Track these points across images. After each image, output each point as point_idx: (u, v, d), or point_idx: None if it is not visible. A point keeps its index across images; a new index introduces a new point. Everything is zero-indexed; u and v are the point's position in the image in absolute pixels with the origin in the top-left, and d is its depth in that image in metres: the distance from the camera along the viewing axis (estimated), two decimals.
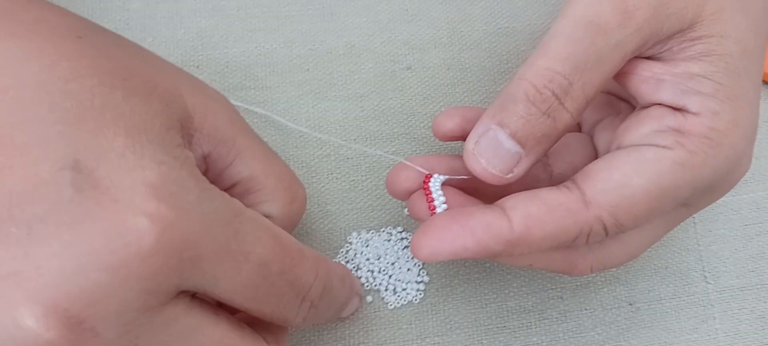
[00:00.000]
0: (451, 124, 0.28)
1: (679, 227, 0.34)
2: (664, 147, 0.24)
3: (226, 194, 0.22)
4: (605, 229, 0.24)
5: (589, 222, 0.24)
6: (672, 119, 0.24)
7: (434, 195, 0.26)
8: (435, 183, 0.26)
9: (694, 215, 0.35)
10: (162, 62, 0.24)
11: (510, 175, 0.24)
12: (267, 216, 0.25)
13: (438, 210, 0.26)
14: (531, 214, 0.23)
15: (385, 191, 0.33)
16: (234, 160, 0.24)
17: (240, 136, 0.25)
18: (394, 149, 0.34)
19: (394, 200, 0.33)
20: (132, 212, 0.18)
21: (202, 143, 0.23)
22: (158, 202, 0.19)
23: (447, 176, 0.27)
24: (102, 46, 0.22)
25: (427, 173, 0.27)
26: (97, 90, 0.20)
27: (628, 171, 0.24)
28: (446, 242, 0.23)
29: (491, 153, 0.24)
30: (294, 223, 0.26)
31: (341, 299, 0.26)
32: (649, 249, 0.34)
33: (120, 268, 0.18)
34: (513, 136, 0.24)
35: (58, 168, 0.18)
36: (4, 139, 0.19)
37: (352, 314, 0.29)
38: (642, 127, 0.25)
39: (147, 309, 0.19)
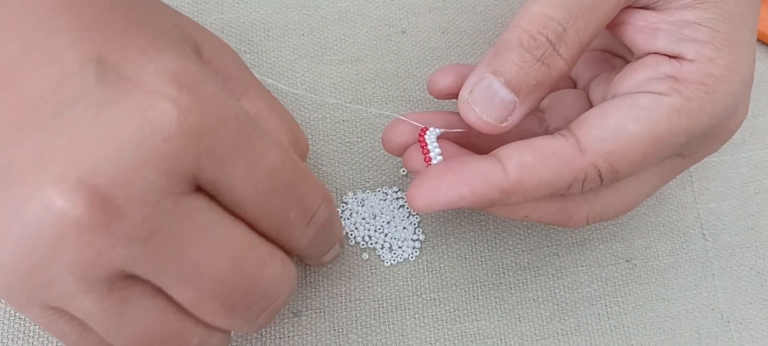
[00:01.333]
0: (446, 81, 0.28)
1: (676, 184, 0.34)
2: (659, 94, 0.24)
3: (242, 105, 0.22)
4: (600, 175, 0.24)
5: (584, 168, 0.24)
6: (668, 66, 0.24)
7: (430, 147, 0.26)
8: (430, 136, 0.26)
9: (692, 173, 0.35)
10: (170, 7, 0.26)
11: (504, 123, 0.24)
12: None
13: (434, 162, 0.26)
14: (526, 162, 0.23)
15: (381, 151, 0.33)
16: (241, 97, 0.25)
17: (247, 74, 0.26)
18: (389, 112, 0.34)
19: (390, 161, 0.33)
20: (155, 94, 0.19)
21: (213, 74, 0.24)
22: (180, 88, 0.20)
23: (442, 130, 0.27)
24: None
25: (423, 126, 0.27)
26: (120, 5, 0.22)
27: (624, 117, 0.24)
28: (442, 191, 0.23)
29: (486, 102, 0.24)
30: None
31: (338, 235, 0.26)
32: (645, 206, 0.34)
33: (143, 146, 0.19)
34: (507, 84, 0.24)
35: (82, 61, 0.20)
36: (36, 42, 0.21)
37: (333, 260, 0.30)
38: (637, 75, 0.25)
39: (169, 193, 0.19)
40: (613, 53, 0.31)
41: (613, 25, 0.26)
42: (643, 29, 0.25)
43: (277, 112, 0.27)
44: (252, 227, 0.22)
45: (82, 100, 0.19)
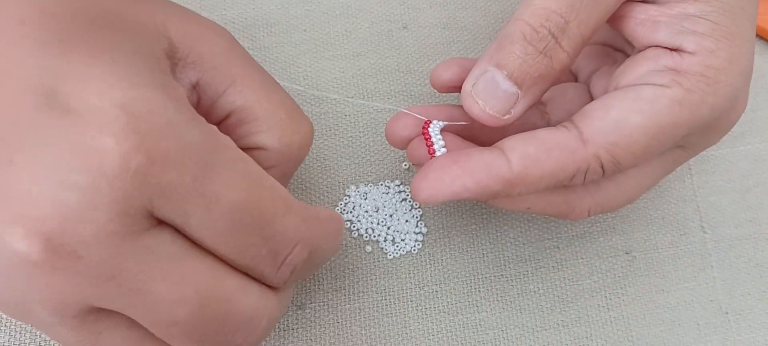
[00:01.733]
0: (448, 74, 0.28)
1: (676, 178, 0.35)
2: (661, 86, 0.24)
3: (213, 129, 0.21)
4: (602, 167, 0.24)
5: (587, 160, 0.24)
6: (669, 59, 0.24)
7: (434, 139, 0.26)
8: (434, 129, 0.27)
9: (691, 167, 0.35)
10: None
11: (507, 116, 0.25)
12: (262, 148, 0.24)
13: (437, 153, 0.26)
14: (529, 153, 0.24)
15: (383, 145, 0.34)
16: (227, 88, 0.24)
17: (235, 64, 0.24)
18: (391, 105, 0.34)
19: (392, 155, 0.34)
20: (99, 132, 0.18)
21: (188, 72, 0.23)
22: (127, 123, 0.19)
23: (445, 123, 0.27)
24: None
25: (427, 119, 0.27)
26: (75, 24, 0.20)
27: (626, 109, 0.24)
28: (445, 183, 0.24)
29: (488, 94, 0.24)
30: (294, 157, 0.25)
31: (329, 256, 0.25)
32: (645, 199, 0.34)
33: (88, 188, 0.18)
34: (510, 76, 0.24)
35: (31, 95, 0.19)
36: None
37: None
38: (639, 68, 0.25)
39: (125, 234, 0.19)
40: (613, 47, 0.31)
41: (614, 19, 0.26)
42: (644, 22, 0.25)
43: (270, 100, 0.24)
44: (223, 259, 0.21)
45: (33, 142, 0.19)
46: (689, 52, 0.24)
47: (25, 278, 0.19)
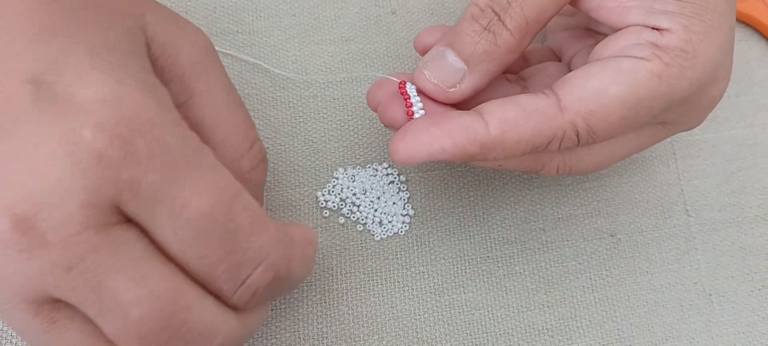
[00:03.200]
0: (431, 39, 0.29)
1: (660, 161, 0.35)
2: (641, 59, 0.24)
3: (193, 135, 0.21)
4: (578, 135, 0.25)
5: (563, 127, 0.24)
6: (649, 35, 0.25)
7: (412, 100, 0.26)
8: (411, 89, 0.27)
9: (676, 151, 0.36)
10: None
11: (453, 89, 0.26)
12: None
13: (416, 115, 0.26)
14: (508, 118, 0.24)
15: (371, 128, 0.34)
16: (186, 100, 0.24)
17: (200, 77, 0.24)
18: (379, 73, 0.35)
19: (380, 138, 0.34)
20: (79, 123, 0.19)
21: (157, 75, 0.23)
22: (107, 118, 0.19)
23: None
24: None
25: (402, 80, 0.27)
26: (62, 15, 0.21)
27: (605, 79, 0.24)
28: (423, 143, 0.24)
29: (437, 67, 0.26)
30: (245, 180, 0.25)
31: (299, 281, 0.24)
32: (630, 182, 0.35)
33: (63, 178, 0.19)
34: (458, 53, 0.26)
35: (19, 82, 0.20)
36: None
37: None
38: (620, 42, 0.25)
39: (92, 225, 0.19)
40: (595, 31, 0.31)
41: (588, 9, 0.27)
42: (615, 9, 0.26)
43: (226, 121, 0.24)
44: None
45: (16, 126, 0.19)
46: (665, 29, 0.25)
47: None
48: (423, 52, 0.29)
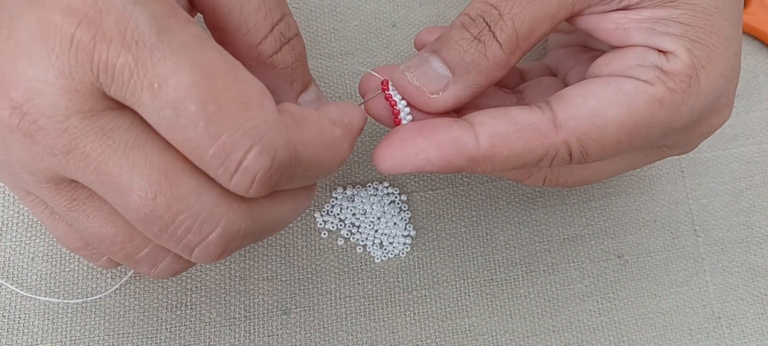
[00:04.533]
0: (431, 38, 0.27)
1: (668, 180, 0.34)
2: (644, 81, 0.23)
3: (170, 12, 0.20)
4: (570, 155, 0.24)
5: (556, 146, 0.23)
6: (655, 57, 0.24)
7: (399, 105, 0.25)
8: (396, 93, 0.25)
9: (684, 170, 0.35)
10: None
11: (435, 96, 0.25)
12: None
13: (403, 120, 0.25)
14: (499, 132, 0.23)
15: (371, 147, 0.33)
16: None
17: None
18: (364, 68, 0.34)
19: None
20: (50, 7, 0.19)
21: None
22: (77, 3, 0.19)
23: None
24: None
25: (385, 79, 0.26)
26: None
27: (604, 100, 0.23)
28: (409, 154, 0.23)
29: (420, 72, 0.25)
30: (269, 66, 0.24)
31: (325, 168, 0.22)
32: (637, 202, 0.34)
33: (41, 62, 0.19)
34: (444, 60, 0.24)
35: None
36: None
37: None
38: (625, 59, 0.24)
39: (76, 111, 0.19)
40: (592, 49, 0.30)
41: (586, 27, 0.26)
42: (614, 31, 0.25)
43: (242, 4, 0.23)
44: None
45: (9, 20, 0.20)
46: (670, 52, 0.24)
47: (4, 139, 0.20)
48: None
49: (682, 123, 0.24)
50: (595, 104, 0.23)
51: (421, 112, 0.25)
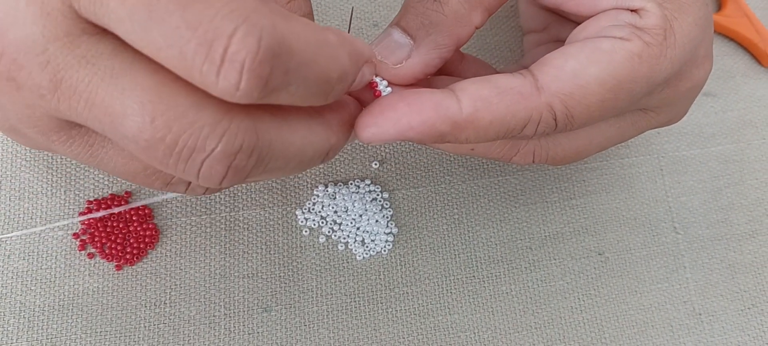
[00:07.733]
0: None
1: (647, 178, 0.35)
2: (620, 39, 0.24)
3: None
4: (555, 118, 0.24)
5: (540, 109, 0.23)
6: (627, 16, 0.24)
7: (376, 79, 0.25)
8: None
9: (663, 168, 0.35)
10: None
11: (399, 66, 0.25)
12: None
13: (383, 93, 0.25)
14: (481, 96, 0.23)
15: (353, 145, 0.33)
16: None
17: None
18: None
19: (362, 154, 0.33)
20: None
21: None
22: None
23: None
24: None
25: None
26: None
27: (583, 60, 0.23)
28: (391, 120, 0.23)
29: (382, 46, 0.25)
30: None
31: (330, 69, 0.20)
32: (618, 200, 0.34)
33: None
34: (404, 29, 0.25)
35: None
36: None
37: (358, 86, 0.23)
38: (599, 22, 0.25)
39: (52, 39, 0.19)
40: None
41: (555, 6, 0.26)
42: (583, 1, 0.25)
43: None
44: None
45: None
46: (641, 9, 0.24)
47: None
48: None
49: (664, 76, 0.24)
50: (575, 65, 0.23)
51: (399, 87, 0.25)
